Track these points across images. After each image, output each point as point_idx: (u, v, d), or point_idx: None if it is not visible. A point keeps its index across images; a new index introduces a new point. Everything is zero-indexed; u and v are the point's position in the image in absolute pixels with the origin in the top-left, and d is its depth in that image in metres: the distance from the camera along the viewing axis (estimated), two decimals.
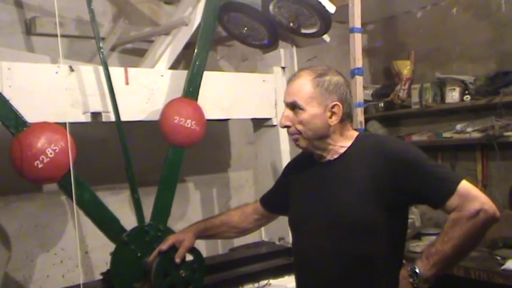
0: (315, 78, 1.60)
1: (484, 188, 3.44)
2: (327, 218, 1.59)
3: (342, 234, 1.56)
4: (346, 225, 1.55)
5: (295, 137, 1.64)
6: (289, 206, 1.78)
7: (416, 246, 3.07)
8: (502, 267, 2.56)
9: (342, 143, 1.64)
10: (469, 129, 3.33)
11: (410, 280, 1.51)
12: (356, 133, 1.69)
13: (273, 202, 1.95)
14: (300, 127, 1.61)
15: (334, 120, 1.61)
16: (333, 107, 1.60)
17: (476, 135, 3.29)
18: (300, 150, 1.76)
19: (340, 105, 1.60)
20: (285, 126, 1.65)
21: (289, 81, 1.66)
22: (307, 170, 1.73)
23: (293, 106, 1.61)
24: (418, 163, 1.53)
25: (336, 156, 1.64)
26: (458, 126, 3.40)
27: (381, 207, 1.53)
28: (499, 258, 2.70)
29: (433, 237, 2.99)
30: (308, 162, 1.73)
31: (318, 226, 1.61)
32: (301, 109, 1.59)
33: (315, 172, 1.69)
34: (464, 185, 1.48)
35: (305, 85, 1.60)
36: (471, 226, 1.45)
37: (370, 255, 1.55)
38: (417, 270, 1.50)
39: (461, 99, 3.36)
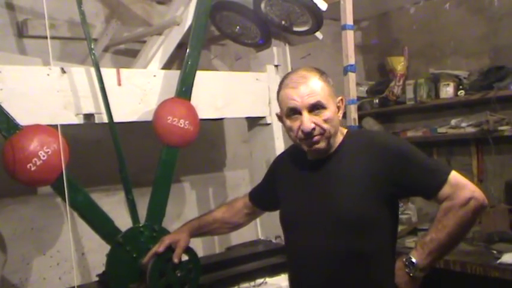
0: (321, 76, 1.60)
1: (480, 182, 3.45)
2: (324, 215, 1.59)
3: (340, 231, 1.56)
4: (344, 222, 1.55)
5: (316, 138, 1.57)
6: (279, 203, 1.78)
7: (412, 241, 3.07)
8: (498, 261, 2.55)
9: (337, 139, 1.65)
10: (463, 124, 3.34)
11: (407, 270, 1.54)
12: (345, 129, 1.70)
13: (262, 199, 1.95)
14: (326, 126, 1.56)
15: (340, 115, 1.63)
16: (339, 102, 1.63)
17: (471, 130, 3.30)
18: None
19: (344, 100, 1.65)
20: (312, 129, 1.56)
21: (295, 83, 1.57)
22: (298, 167, 1.72)
23: (313, 107, 1.55)
24: (411, 156, 1.56)
25: (328, 153, 1.64)
26: (453, 122, 3.41)
27: (376, 202, 1.55)
28: (495, 252, 2.70)
29: None
30: (298, 158, 1.72)
31: (314, 224, 1.61)
32: (325, 108, 1.56)
33: (306, 169, 1.68)
34: (454, 175, 1.53)
35: (321, 84, 1.57)
36: (463, 213, 1.50)
37: (368, 249, 1.56)
38: (413, 260, 1.53)
39: (456, 95, 3.37)
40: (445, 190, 1.51)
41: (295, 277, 1.72)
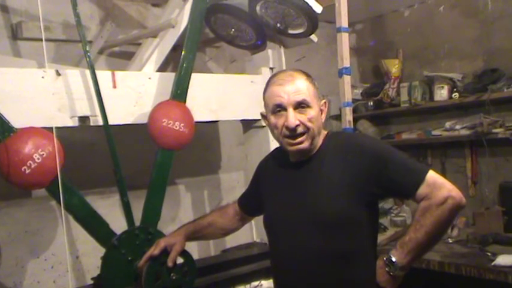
0: (308, 77, 1.64)
1: (474, 184, 3.47)
2: (306, 217, 1.60)
3: (320, 231, 1.58)
4: (323, 222, 1.57)
5: (301, 138, 1.60)
6: (264, 207, 1.79)
7: None
8: (493, 263, 2.56)
9: (319, 141, 1.67)
10: (457, 127, 3.35)
11: (387, 269, 1.57)
12: (326, 131, 1.71)
13: (250, 205, 1.96)
14: (310, 124, 1.59)
15: (323, 117, 1.66)
16: (322, 104, 1.66)
17: (465, 132, 3.31)
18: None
19: (327, 102, 1.68)
20: (297, 126, 1.58)
21: (282, 81, 1.61)
22: (280, 169, 1.75)
23: (298, 105, 1.58)
24: (388, 156, 1.58)
25: (310, 155, 1.66)
26: (447, 124, 3.42)
27: (356, 202, 1.57)
28: (489, 254, 2.71)
29: None
30: (280, 161, 1.74)
31: (296, 225, 1.63)
32: (309, 107, 1.59)
33: (288, 171, 1.70)
34: (432, 175, 1.55)
35: (307, 84, 1.61)
36: (441, 212, 1.51)
37: (349, 249, 1.58)
38: (393, 259, 1.56)
39: (450, 97, 3.39)
40: (423, 190, 1.52)
41: (279, 279, 1.73)
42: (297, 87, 1.59)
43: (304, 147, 1.61)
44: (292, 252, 1.63)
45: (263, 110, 2.50)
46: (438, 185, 1.53)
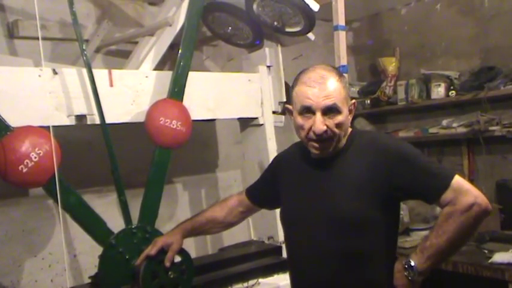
0: (339, 78, 1.58)
1: (471, 182, 3.46)
2: (323, 214, 1.59)
3: (337, 230, 1.57)
4: (341, 221, 1.56)
5: (327, 144, 1.57)
6: (279, 200, 1.78)
7: (405, 241, 3.09)
8: (489, 261, 2.57)
9: (343, 140, 1.64)
10: (454, 125, 3.36)
11: (405, 273, 1.54)
12: (350, 129, 1.68)
13: (261, 196, 1.94)
14: (337, 130, 1.56)
15: (350, 118, 1.62)
16: (351, 105, 1.61)
17: (462, 130, 3.32)
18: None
19: (356, 103, 1.63)
20: (324, 132, 1.54)
21: (314, 82, 1.55)
22: (301, 165, 1.72)
23: (328, 110, 1.54)
24: (413, 159, 1.55)
25: (332, 153, 1.64)
26: (444, 122, 3.43)
27: (375, 204, 1.55)
28: (486, 251, 2.72)
29: (422, 233, 3.04)
30: (301, 156, 1.72)
31: (314, 222, 1.62)
32: (339, 112, 1.55)
33: (309, 168, 1.69)
34: (458, 180, 1.51)
35: (338, 86, 1.56)
36: (465, 219, 1.48)
37: (365, 250, 1.56)
38: (412, 264, 1.53)
39: (447, 95, 3.39)
40: (447, 195, 1.49)
41: (294, 273, 1.73)
42: (328, 91, 1.53)
43: (328, 152, 1.60)
44: (307, 249, 1.63)
45: (260, 108, 2.55)
46: (464, 190, 1.49)
